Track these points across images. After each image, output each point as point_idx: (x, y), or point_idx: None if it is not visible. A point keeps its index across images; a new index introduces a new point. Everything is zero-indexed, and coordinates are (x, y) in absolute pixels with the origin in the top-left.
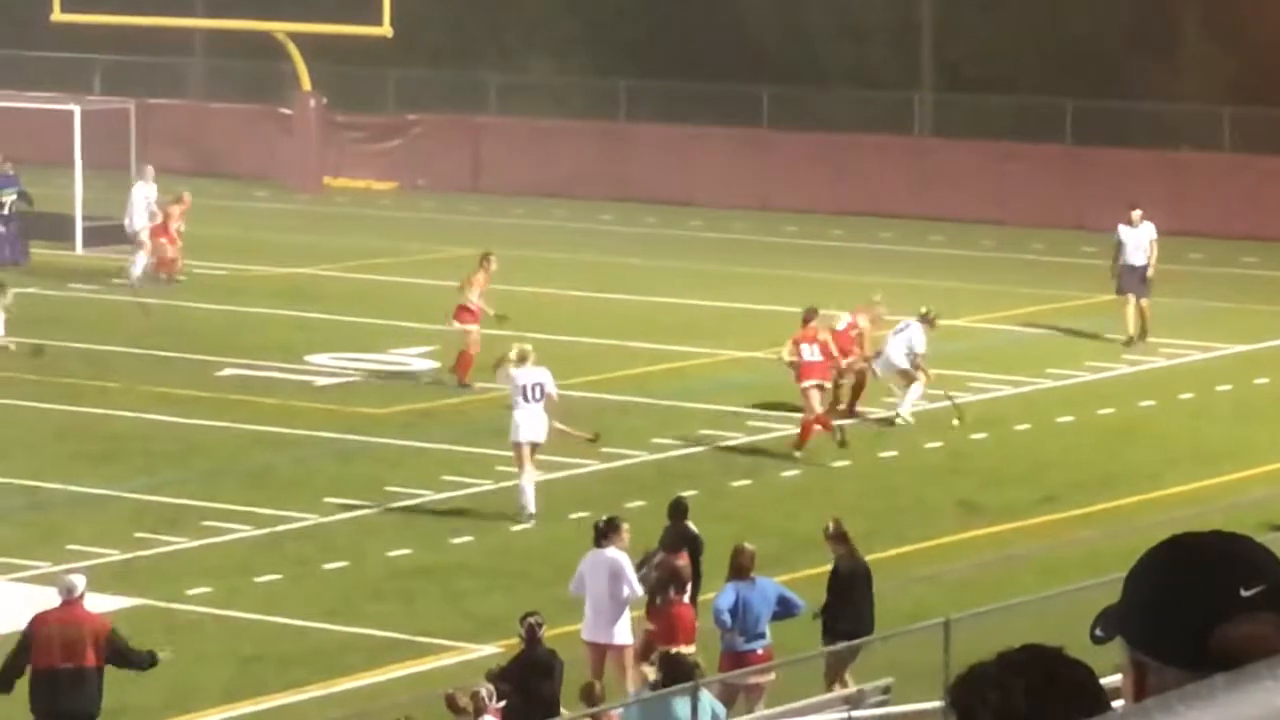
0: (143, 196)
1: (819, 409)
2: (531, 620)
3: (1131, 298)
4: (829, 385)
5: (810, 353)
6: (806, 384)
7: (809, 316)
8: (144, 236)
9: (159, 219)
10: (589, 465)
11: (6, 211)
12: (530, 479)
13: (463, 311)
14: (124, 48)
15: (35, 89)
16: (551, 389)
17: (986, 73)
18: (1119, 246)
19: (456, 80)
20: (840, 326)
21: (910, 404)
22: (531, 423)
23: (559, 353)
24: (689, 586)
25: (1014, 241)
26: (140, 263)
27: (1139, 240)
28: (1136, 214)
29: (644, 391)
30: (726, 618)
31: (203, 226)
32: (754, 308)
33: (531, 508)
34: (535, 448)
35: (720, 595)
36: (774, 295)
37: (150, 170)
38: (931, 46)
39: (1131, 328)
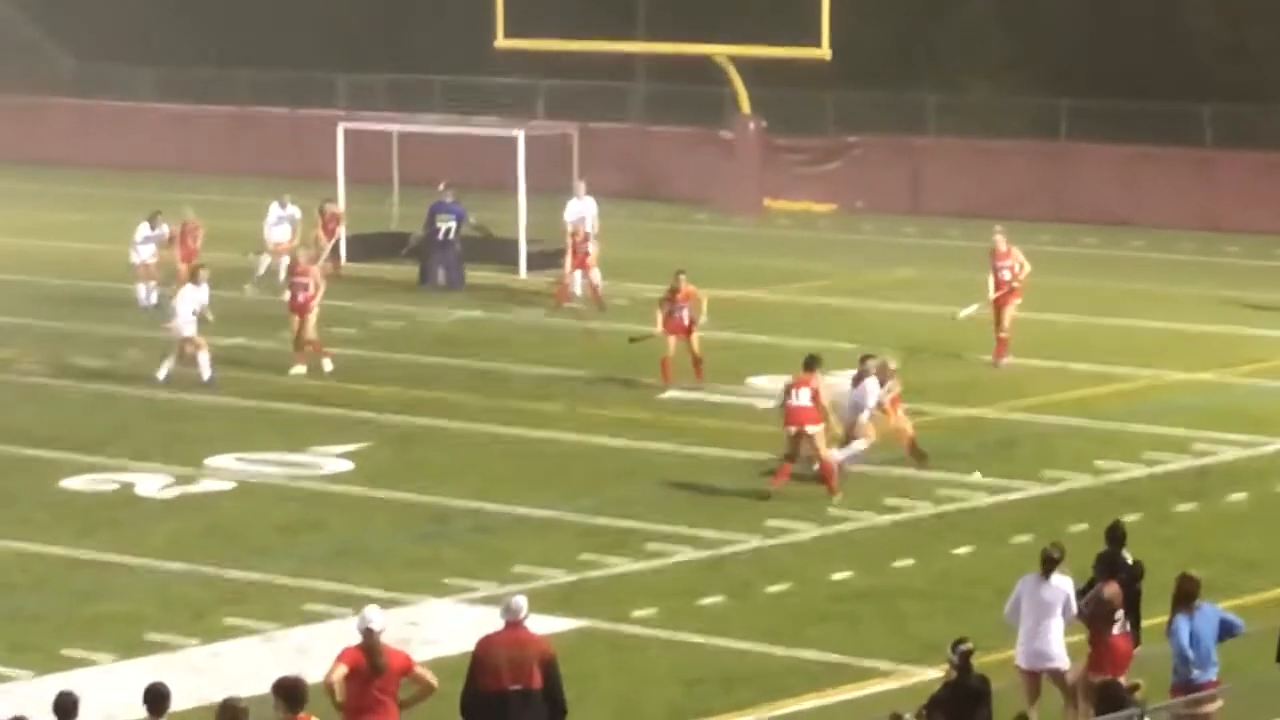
0: (577, 214)
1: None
2: (963, 648)
3: None
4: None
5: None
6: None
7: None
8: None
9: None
10: (1029, 489)
11: (442, 237)
12: None
13: (671, 323)
14: (566, 72)
15: (481, 113)
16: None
17: None
18: None
19: (894, 101)
20: None
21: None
22: None
23: (996, 377)
24: (1118, 615)
25: None
26: (578, 282)
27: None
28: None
29: (1087, 413)
30: (1190, 653)
31: (644, 249)
32: (1198, 329)
33: None
34: None
35: (1177, 631)
36: (1219, 316)
37: (582, 187)
38: None
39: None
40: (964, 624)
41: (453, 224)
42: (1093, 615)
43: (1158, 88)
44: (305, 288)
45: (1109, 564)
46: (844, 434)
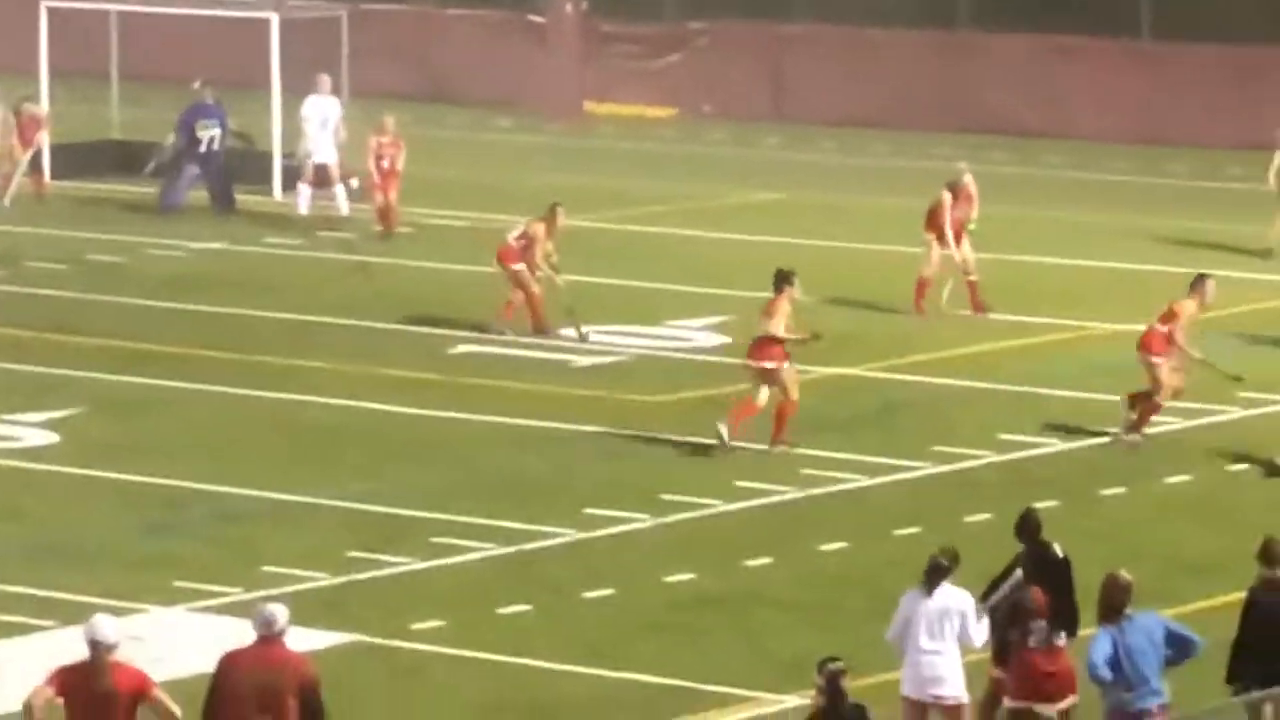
0: (318, 115)
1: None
2: (831, 668)
3: None
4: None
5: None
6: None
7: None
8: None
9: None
10: (922, 467)
11: (204, 149)
12: None
13: (507, 252)
14: None
15: None
16: None
17: None
18: None
19: None
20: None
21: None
22: None
23: (879, 329)
24: (1039, 625)
25: None
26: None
27: None
28: None
29: (990, 375)
30: (1105, 672)
31: (432, 166)
32: (1131, 268)
33: None
34: None
35: (1093, 645)
36: (1158, 253)
37: (327, 81)
38: None
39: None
40: (834, 639)
41: (216, 132)
42: (1007, 623)
43: None
44: None
45: (1038, 561)
46: None
